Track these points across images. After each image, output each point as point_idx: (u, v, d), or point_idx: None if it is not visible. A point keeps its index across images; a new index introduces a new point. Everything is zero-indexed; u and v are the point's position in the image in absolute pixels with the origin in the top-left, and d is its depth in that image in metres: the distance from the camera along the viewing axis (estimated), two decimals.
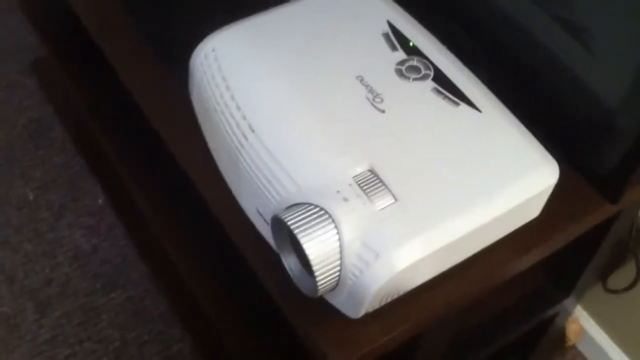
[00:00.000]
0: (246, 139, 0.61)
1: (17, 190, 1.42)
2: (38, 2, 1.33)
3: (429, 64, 0.65)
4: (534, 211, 0.64)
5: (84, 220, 1.38)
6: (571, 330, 1.17)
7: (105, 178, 1.38)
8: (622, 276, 1.01)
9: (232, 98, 0.63)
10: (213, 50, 0.66)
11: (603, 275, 1.01)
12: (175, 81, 0.75)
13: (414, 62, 0.65)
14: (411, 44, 0.67)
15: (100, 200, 1.40)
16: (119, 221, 1.36)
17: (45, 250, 1.34)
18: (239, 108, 0.62)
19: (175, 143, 0.73)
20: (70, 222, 1.37)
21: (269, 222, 0.59)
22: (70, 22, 1.24)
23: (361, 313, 0.58)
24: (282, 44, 0.67)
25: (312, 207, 0.55)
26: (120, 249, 1.34)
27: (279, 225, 0.56)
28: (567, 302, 0.95)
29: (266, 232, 0.62)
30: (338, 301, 0.59)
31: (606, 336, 1.17)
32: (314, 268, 0.54)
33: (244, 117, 0.62)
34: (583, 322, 1.18)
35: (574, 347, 1.21)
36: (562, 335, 1.17)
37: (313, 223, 0.54)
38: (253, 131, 0.61)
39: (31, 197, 1.41)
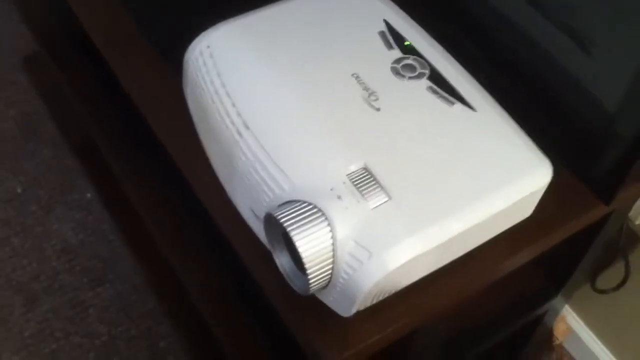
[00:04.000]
0: (240, 135, 0.60)
1: (6, 183, 1.41)
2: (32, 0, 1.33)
3: (424, 62, 0.65)
4: (527, 210, 0.64)
5: (72, 214, 1.37)
6: (559, 329, 1.18)
7: (94, 172, 1.37)
8: (611, 276, 1.02)
9: (227, 95, 0.62)
10: (208, 47, 0.66)
11: (592, 275, 1.02)
12: (170, 76, 0.74)
13: (410, 60, 0.65)
14: (407, 42, 0.67)
15: (89, 195, 1.40)
16: (108, 215, 1.36)
17: (34, 244, 1.33)
18: (233, 105, 0.62)
19: (168, 139, 0.73)
20: (58, 216, 1.37)
21: (262, 219, 0.58)
22: (63, 19, 1.23)
23: (352, 311, 0.58)
24: (277, 41, 0.67)
25: (305, 204, 0.55)
26: (109, 243, 1.34)
27: (272, 222, 0.56)
28: (556, 301, 0.95)
29: (259, 229, 0.62)
30: (330, 299, 0.59)
31: (593, 335, 1.17)
32: (307, 266, 0.54)
33: (239, 114, 0.61)
34: (571, 321, 1.19)
35: (561, 345, 1.21)
36: (550, 334, 1.17)
37: (306, 221, 0.54)
38: (248, 128, 0.60)
39: (20, 190, 1.40)
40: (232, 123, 0.61)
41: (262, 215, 0.59)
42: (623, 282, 1.01)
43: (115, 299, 1.27)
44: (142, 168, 1.05)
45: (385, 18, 0.69)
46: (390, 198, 0.56)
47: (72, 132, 1.46)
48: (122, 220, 1.32)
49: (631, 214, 0.99)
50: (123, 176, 1.06)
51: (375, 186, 0.57)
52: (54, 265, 1.31)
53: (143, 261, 1.28)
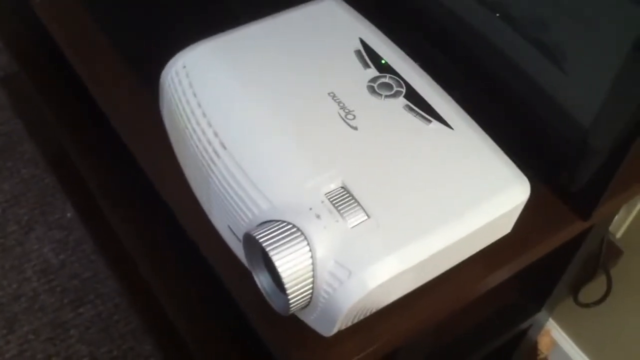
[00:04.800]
0: (218, 156, 0.60)
1: None
2: (9, 19, 1.32)
3: (401, 81, 0.65)
4: (506, 228, 0.64)
5: (52, 235, 1.36)
6: (543, 342, 1.18)
7: (74, 192, 1.36)
8: (593, 290, 1.02)
9: (204, 115, 0.62)
10: (184, 67, 0.66)
11: (574, 289, 1.02)
12: (147, 97, 0.74)
13: (386, 79, 0.65)
14: (383, 61, 0.67)
15: (69, 214, 1.38)
16: (89, 235, 1.35)
17: (13, 265, 1.32)
18: (210, 125, 0.62)
19: (146, 159, 0.72)
20: (38, 236, 1.35)
21: (241, 239, 0.58)
22: (42, 38, 1.23)
23: (333, 331, 0.58)
24: (254, 61, 0.66)
25: (284, 224, 0.55)
26: (90, 263, 1.32)
27: (251, 242, 0.56)
28: (540, 315, 0.95)
29: (238, 249, 0.62)
30: (310, 319, 0.58)
31: (577, 348, 1.18)
32: (287, 286, 0.54)
33: (216, 134, 0.61)
34: (555, 335, 1.19)
35: (545, 359, 1.21)
36: (534, 348, 1.17)
37: (285, 240, 0.54)
38: (225, 148, 0.60)
39: None
40: (209, 143, 0.61)
41: (240, 234, 0.58)
42: (605, 295, 1.02)
43: (97, 319, 1.26)
44: (121, 187, 1.05)
45: (361, 37, 0.69)
46: (369, 216, 0.56)
47: (51, 151, 1.45)
48: (103, 240, 1.31)
49: (612, 227, 1.00)
50: (101, 195, 1.05)
51: (354, 205, 0.56)
52: (34, 286, 1.29)
53: (124, 281, 1.27)
